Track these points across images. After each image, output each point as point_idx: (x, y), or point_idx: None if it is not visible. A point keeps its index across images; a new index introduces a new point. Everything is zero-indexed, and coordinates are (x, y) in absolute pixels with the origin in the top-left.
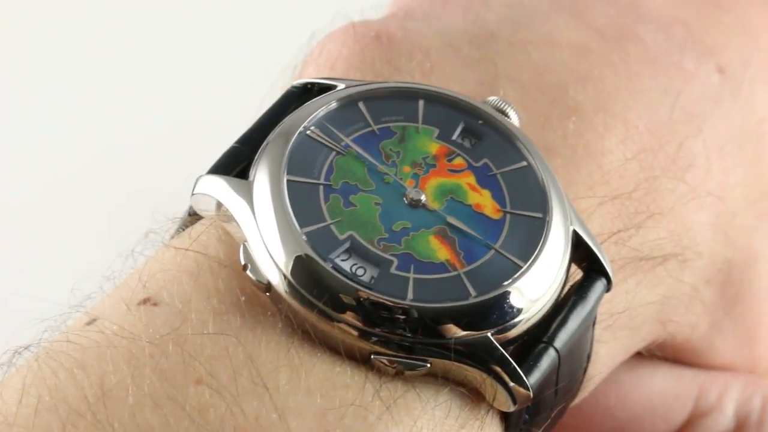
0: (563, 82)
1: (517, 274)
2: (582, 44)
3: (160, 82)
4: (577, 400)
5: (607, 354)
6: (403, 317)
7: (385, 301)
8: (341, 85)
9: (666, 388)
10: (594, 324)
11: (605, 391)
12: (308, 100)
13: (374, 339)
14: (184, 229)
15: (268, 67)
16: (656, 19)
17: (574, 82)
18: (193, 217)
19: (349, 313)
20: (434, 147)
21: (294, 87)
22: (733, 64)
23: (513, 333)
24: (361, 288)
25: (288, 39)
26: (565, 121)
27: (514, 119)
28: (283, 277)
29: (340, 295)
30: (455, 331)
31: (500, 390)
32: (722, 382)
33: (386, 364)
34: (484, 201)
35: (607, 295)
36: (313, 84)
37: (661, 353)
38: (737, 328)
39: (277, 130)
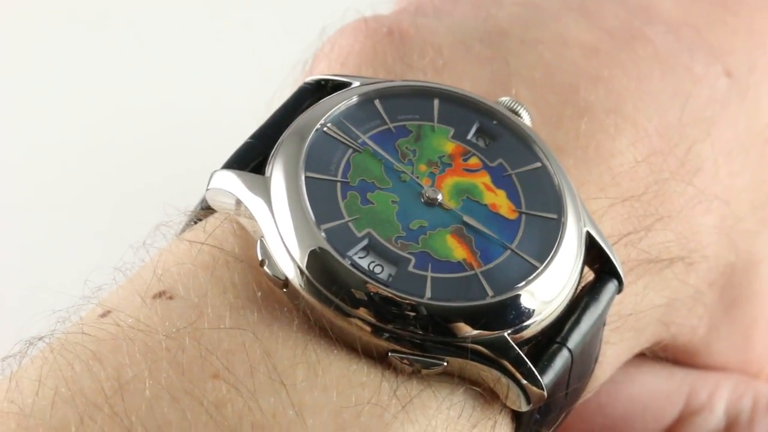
0: (574, 82)
1: (534, 274)
2: (592, 44)
3: (172, 76)
4: (581, 400)
5: (613, 355)
6: (413, 314)
7: (395, 297)
8: (356, 83)
9: (657, 387)
10: (604, 325)
11: (598, 389)
12: (322, 97)
13: (387, 335)
14: (195, 223)
15: (279, 61)
16: (665, 21)
17: (585, 83)
18: (205, 210)
19: (362, 308)
20: (450, 146)
21: (307, 83)
22: (740, 68)
23: (528, 333)
24: (376, 284)
25: (299, 34)
26: (577, 122)
27: (526, 119)
28: (300, 273)
29: (354, 290)
30: (467, 330)
31: (515, 389)
32: (713, 381)
33: (403, 362)
34: (499, 201)
35: (616, 297)
36: (326, 81)
37: (661, 354)
38: (734, 331)
39: (293, 126)
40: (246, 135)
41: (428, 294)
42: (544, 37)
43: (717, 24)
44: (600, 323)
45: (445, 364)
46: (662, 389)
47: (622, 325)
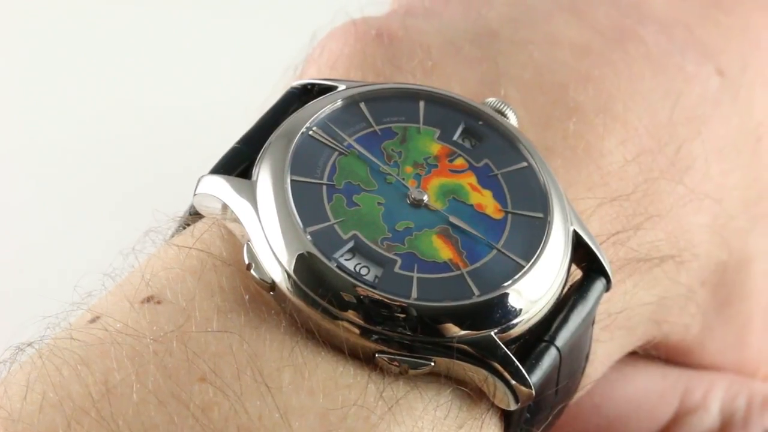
0: (564, 82)
1: (520, 273)
2: (583, 44)
3: (161, 81)
4: (574, 399)
5: (604, 353)
6: (402, 316)
7: (384, 299)
8: (341, 86)
9: (652, 387)
10: (593, 323)
11: (592, 389)
12: (308, 101)
13: (375, 337)
14: (184, 228)
15: (270, 66)
16: (658, 20)
17: (575, 83)
18: (194, 216)
19: (350, 311)
20: (435, 147)
21: (294, 87)
22: (733, 67)
23: (515, 332)
24: (362, 286)
25: (289, 37)
26: (566, 122)
27: (512, 120)
28: (287, 276)
29: (342, 293)
30: (455, 330)
31: (502, 388)
32: (707, 381)
33: (391, 364)
34: (485, 201)
35: (605, 296)
36: (313, 85)
37: (654, 353)
38: (727, 330)
39: (279, 130)
40: (236, 140)
41: (414, 294)
42: (534, 37)
43: (709, 23)
44: (588, 321)
45: (432, 364)
46: (657, 389)
47: (612, 323)
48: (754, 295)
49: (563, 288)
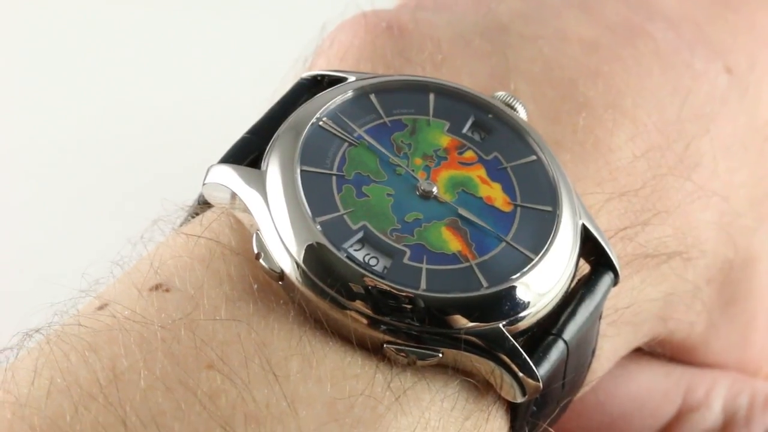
0: (573, 77)
1: (529, 266)
2: (592, 40)
3: (172, 72)
4: (579, 394)
5: (610, 349)
6: (410, 306)
7: (393, 290)
8: (351, 78)
9: (655, 384)
10: (600, 318)
11: (596, 386)
12: (318, 92)
13: (383, 328)
14: (193, 217)
15: (280, 58)
16: (667, 17)
17: (584, 78)
18: (203, 205)
19: (359, 301)
20: (445, 140)
21: (304, 79)
22: (741, 65)
23: (523, 324)
24: (371, 276)
25: (299, 30)
26: (575, 117)
27: (522, 114)
28: (296, 266)
29: (350, 283)
30: (463, 322)
31: (510, 381)
32: (710, 379)
33: (399, 354)
34: (494, 194)
35: (612, 291)
36: (323, 76)
37: (658, 350)
38: (732, 329)
39: (289, 120)
40: (245, 130)
41: (423, 286)
42: (544, 32)
43: (718, 21)
44: (596, 315)
45: (440, 355)
46: (660, 387)
47: (619, 318)
48: (758, 294)
49: (571, 281)
